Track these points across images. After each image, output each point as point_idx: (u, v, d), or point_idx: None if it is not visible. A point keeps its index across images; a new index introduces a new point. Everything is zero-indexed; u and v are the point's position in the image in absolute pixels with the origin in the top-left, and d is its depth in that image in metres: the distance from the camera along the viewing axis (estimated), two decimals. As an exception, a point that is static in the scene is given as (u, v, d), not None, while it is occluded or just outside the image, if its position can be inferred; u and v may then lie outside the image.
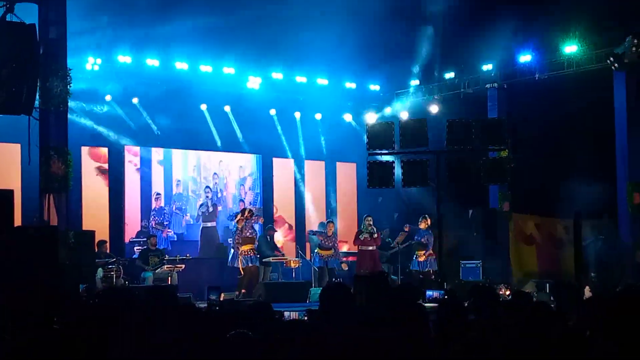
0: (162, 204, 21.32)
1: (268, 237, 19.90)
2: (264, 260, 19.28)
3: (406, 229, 20.43)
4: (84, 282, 14.45)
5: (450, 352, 3.87)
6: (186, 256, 19.49)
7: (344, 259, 20.95)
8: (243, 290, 18.25)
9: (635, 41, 18.29)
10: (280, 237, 22.66)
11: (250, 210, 19.35)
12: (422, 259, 19.69)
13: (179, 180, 22.35)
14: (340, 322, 4.87)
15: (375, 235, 19.46)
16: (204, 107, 21.90)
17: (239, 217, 19.26)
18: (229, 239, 19.81)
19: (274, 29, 20.23)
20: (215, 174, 22.85)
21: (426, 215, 20.01)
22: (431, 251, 19.59)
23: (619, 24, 18.52)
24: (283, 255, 20.02)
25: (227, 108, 22.11)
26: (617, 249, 19.13)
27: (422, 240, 19.71)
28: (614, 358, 2.63)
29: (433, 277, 19.33)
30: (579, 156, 19.87)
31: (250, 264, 18.62)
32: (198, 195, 22.43)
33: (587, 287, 16.63)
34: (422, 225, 19.78)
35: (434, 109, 22.66)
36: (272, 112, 22.82)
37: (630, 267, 18.62)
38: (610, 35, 18.85)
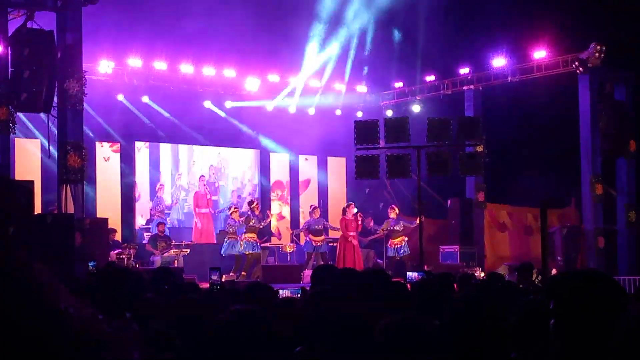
0: (162, 195, 21.17)
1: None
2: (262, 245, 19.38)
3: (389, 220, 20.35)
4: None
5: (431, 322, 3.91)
6: (191, 241, 19.46)
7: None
8: (243, 273, 18.26)
9: (598, 47, 18.44)
10: (274, 221, 22.71)
11: (254, 202, 19.39)
12: (398, 244, 19.60)
13: (180, 174, 22.28)
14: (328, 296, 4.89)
15: (360, 222, 19.44)
16: (206, 105, 21.87)
17: (233, 208, 19.31)
18: (226, 228, 19.60)
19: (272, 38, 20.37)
20: (214, 167, 22.79)
21: (393, 206, 20.09)
22: (404, 236, 19.56)
23: (583, 32, 18.60)
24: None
25: (227, 104, 22.11)
26: (580, 235, 19.24)
27: (397, 227, 19.65)
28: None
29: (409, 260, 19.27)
30: (547, 151, 19.97)
31: (253, 250, 18.64)
32: (196, 186, 22.30)
33: (554, 269, 16.75)
34: (393, 215, 19.75)
35: (415, 108, 22.83)
36: (269, 109, 22.77)
37: (592, 252, 18.74)
38: (575, 42, 18.93)
